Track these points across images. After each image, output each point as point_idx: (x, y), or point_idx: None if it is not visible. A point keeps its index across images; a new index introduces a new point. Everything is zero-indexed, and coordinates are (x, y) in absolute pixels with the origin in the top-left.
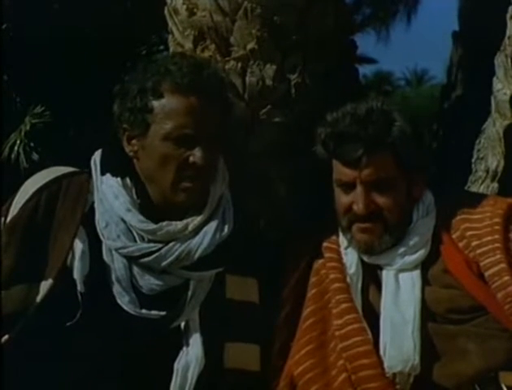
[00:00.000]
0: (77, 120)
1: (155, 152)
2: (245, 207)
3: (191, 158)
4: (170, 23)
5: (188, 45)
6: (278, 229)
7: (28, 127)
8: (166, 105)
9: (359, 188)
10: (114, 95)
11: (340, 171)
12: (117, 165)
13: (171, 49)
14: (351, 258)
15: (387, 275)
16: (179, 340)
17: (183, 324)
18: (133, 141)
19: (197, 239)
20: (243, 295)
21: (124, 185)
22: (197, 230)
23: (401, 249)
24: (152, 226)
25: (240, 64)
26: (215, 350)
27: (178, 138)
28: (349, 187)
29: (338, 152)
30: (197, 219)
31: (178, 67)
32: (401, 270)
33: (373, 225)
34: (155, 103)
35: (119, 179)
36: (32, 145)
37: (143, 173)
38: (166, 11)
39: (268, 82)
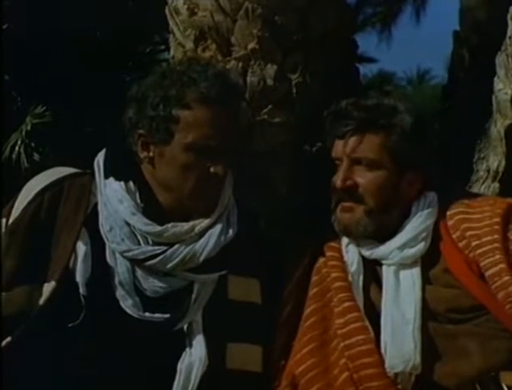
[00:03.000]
0: (78, 120)
1: (176, 161)
2: (246, 207)
3: (212, 169)
4: (171, 23)
5: (189, 44)
6: (279, 228)
7: (28, 128)
8: (190, 115)
9: (343, 163)
10: (130, 99)
11: (334, 148)
12: (121, 169)
13: (171, 49)
14: (352, 256)
15: (387, 272)
16: (182, 341)
17: (186, 325)
18: (150, 147)
19: (201, 241)
20: (245, 295)
21: (128, 190)
22: (202, 232)
23: (400, 242)
24: (158, 228)
25: (241, 64)
26: (218, 351)
27: (201, 149)
28: (339, 163)
29: (331, 127)
30: (205, 222)
31: (203, 76)
32: (401, 265)
33: (353, 205)
34: (179, 112)
35: (122, 183)
36: (32, 145)
37: (157, 179)
38: (167, 11)
39: (269, 82)
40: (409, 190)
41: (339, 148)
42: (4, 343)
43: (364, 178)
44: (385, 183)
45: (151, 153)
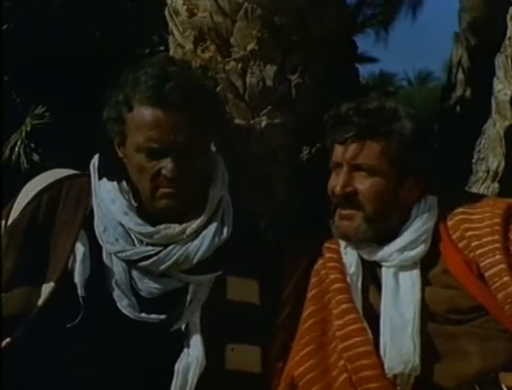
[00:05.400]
0: (77, 121)
1: (132, 162)
2: (245, 208)
3: (163, 171)
4: (170, 24)
5: (189, 45)
6: (278, 230)
7: (28, 128)
8: (135, 117)
9: (343, 169)
10: (105, 99)
11: (334, 152)
12: (114, 169)
13: (171, 50)
14: (351, 258)
15: (386, 274)
16: (179, 342)
17: (183, 326)
18: (120, 148)
19: (195, 242)
20: (243, 296)
21: (121, 189)
22: (195, 233)
23: (400, 245)
24: (149, 229)
25: (240, 65)
26: (216, 351)
27: (148, 151)
28: (338, 168)
29: (332, 132)
30: (196, 223)
31: (146, 78)
32: (400, 267)
33: (352, 212)
34: (128, 115)
35: (115, 183)
36: (32, 146)
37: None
38: (166, 12)
39: (269, 83)
40: (409, 195)
41: (339, 153)
42: (4, 343)
43: (364, 184)
44: (385, 189)
45: (121, 154)
